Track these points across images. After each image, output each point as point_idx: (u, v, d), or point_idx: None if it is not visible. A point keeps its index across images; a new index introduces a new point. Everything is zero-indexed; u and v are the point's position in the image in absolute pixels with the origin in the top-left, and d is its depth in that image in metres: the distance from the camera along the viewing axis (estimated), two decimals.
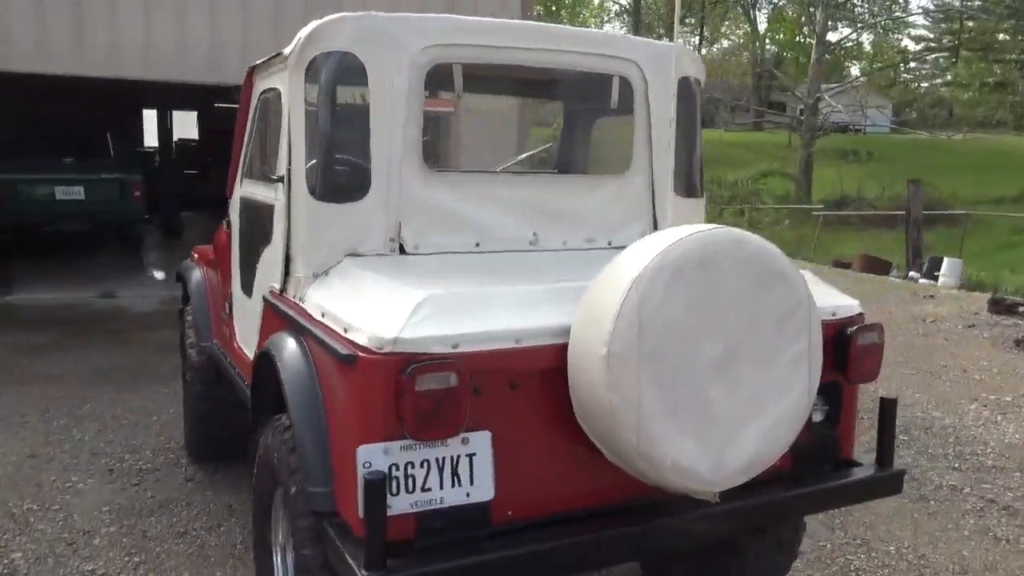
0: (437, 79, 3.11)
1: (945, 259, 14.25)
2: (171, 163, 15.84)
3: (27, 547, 3.89)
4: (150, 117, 17.00)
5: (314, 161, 2.87)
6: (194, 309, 4.52)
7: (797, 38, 40.58)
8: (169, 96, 13.88)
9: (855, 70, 46.52)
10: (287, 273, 2.99)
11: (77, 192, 10.47)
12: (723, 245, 2.32)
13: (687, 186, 3.53)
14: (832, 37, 34.77)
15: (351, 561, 2.17)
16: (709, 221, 2.91)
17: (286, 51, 3.02)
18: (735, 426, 2.36)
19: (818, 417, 2.90)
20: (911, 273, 14.91)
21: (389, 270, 2.77)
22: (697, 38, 35.37)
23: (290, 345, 2.65)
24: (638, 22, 34.19)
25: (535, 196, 3.23)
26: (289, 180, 2.95)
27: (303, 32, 2.89)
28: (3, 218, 10.34)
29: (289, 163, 2.95)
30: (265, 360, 2.77)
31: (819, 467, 2.91)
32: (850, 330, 2.80)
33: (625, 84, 3.35)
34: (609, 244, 3.35)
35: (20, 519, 4.16)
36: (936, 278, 13.89)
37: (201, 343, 4.36)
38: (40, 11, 8.18)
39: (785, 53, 43.75)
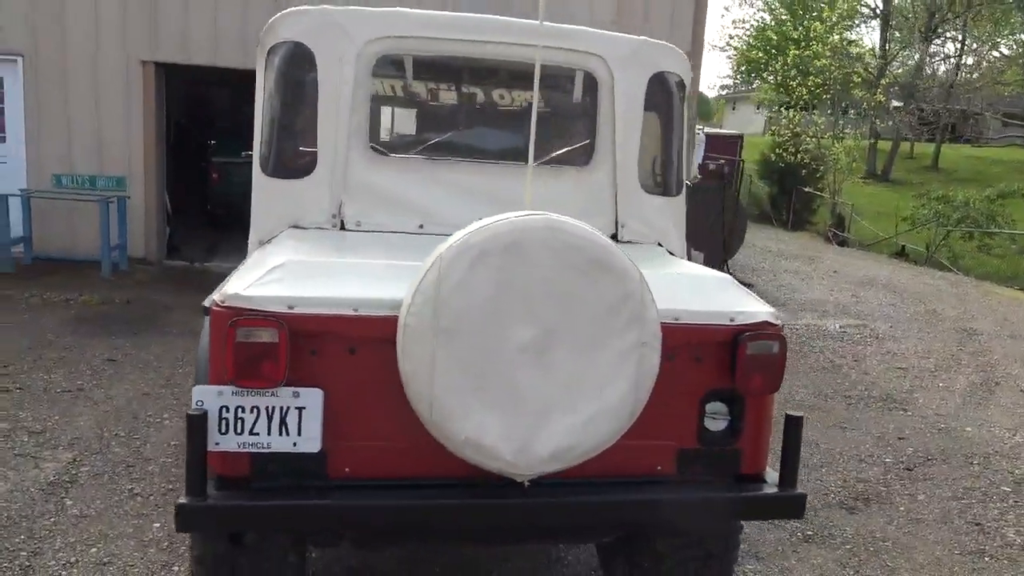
0: (393, 69, 3.32)
1: None
2: None
3: (96, 464, 4.60)
4: None
5: (265, 140, 3.20)
6: None
7: None
8: None
9: None
10: (247, 239, 3.35)
11: None
12: (536, 232, 2.33)
13: (658, 183, 3.46)
14: None
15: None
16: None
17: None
18: (547, 412, 2.35)
19: (715, 426, 2.78)
20: None
21: (311, 241, 3.03)
22: (959, 43, 32.01)
23: None
24: (886, 27, 31.69)
25: (486, 183, 3.33)
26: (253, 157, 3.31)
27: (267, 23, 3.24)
28: (218, 196, 11.86)
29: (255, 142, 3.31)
30: None
31: (712, 477, 2.78)
32: (741, 337, 2.66)
33: (590, 78, 3.37)
34: None
35: (104, 442, 4.91)
36: None
37: None
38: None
39: None
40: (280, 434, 2.49)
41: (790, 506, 2.79)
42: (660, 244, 3.49)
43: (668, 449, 2.75)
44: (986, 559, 4.23)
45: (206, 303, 2.56)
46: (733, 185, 22.48)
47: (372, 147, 3.25)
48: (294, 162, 3.22)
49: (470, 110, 3.76)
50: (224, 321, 2.42)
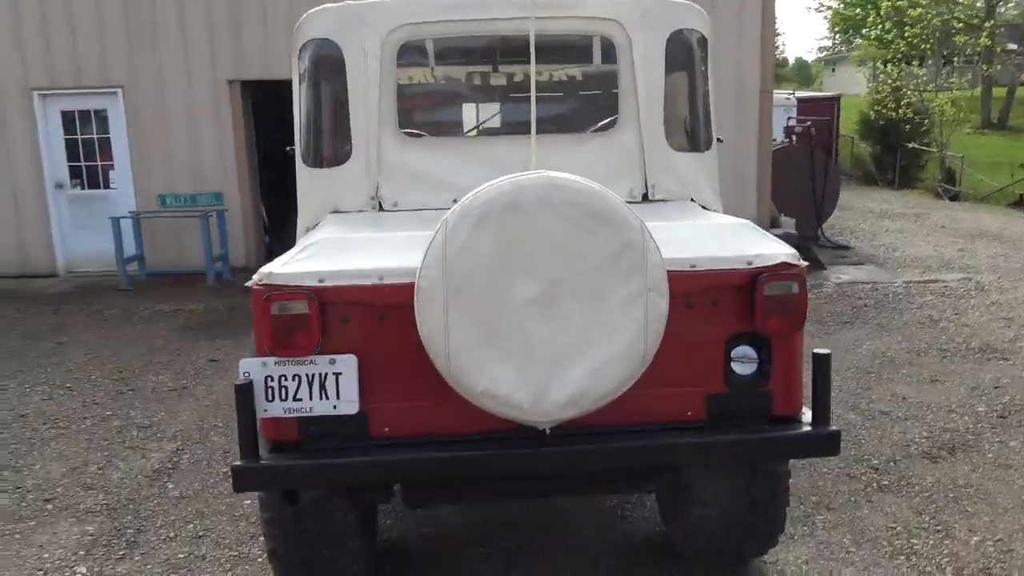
0: (417, 55, 3.48)
1: None
2: None
3: (196, 452, 4.98)
4: None
5: (303, 133, 3.43)
6: None
7: None
8: None
9: None
10: (296, 227, 3.59)
11: None
12: (535, 190, 2.43)
13: (685, 140, 3.49)
14: None
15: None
16: None
17: None
18: (560, 361, 2.45)
19: (743, 370, 2.80)
20: None
21: (351, 223, 3.22)
22: None
23: None
24: None
25: (516, 156, 3.43)
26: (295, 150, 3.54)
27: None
28: None
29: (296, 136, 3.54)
30: None
31: (744, 420, 2.81)
32: (759, 279, 2.68)
33: (608, 43, 3.43)
34: None
35: (204, 432, 5.30)
36: None
37: None
38: None
39: None
40: (321, 398, 2.68)
41: (822, 444, 2.80)
42: (693, 200, 3.52)
43: (696, 395, 2.80)
44: None
45: (247, 283, 2.79)
46: (832, 148, 21.73)
47: (403, 131, 3.42)
48: (332, 151, 3.43)
49: (496, 86, 3.88)
50: (261, 298, 2.63)
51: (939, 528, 3.82)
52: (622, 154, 3.46)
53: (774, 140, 13.38)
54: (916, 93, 21.29)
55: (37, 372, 6.73)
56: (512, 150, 3.46)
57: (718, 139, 3.64)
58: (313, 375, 2.68)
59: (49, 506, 4.30)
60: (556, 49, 3.72)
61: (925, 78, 21.94)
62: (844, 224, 14.37)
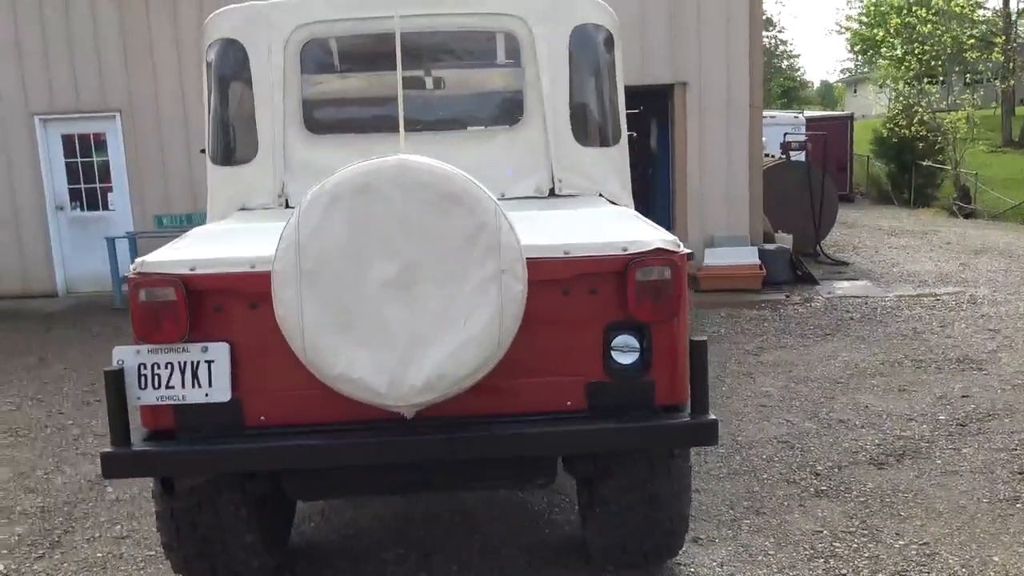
0: (320, 52, 3.52)
1: None
2: None
3: None
4: None
5: (212, 131, 3.48)
6: None
7: None
8: None
9: None
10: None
11: None
12: (387, 173, 2.43)
13: (592, 134, 3.49)
14: None
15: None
16: None
17: None
18: (415, 344, 2.44)
19: (624, 359, 2.77)
20: None
21: (254, 220, 3.25)
22: None
23: None
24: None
25: (423, 153, 3.45)
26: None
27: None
28: None
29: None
30: None
31: (625, 411, 2.76)
32: (631, 264, 2.66)
33: (511, 39, 3.45)
34: (503, 196, 3.45)
35: None
36: None
37: None
38: None
39: None
40: (193, 386, 2.70)
41: (700, 433, 2.74)
42: (601, 195, 3.50)
43: (576, 384, 2.77)
44: (1018, 506, 3.92)
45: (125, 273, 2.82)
46: (847, 167, 21.51)
47: (307, 129, 3.45)
48: (238, 150, 3.47)
49: (399, 83, 3.90)
50: (133, 287, 2.66)
51: (866, 532, 3.71)
52: (528, 150, 3.46)
53: (772, 156, 13.32)
54: (928, 111, 21.06)
55: (12, 385, 6.84)
56: (419, 147, 3.48)
57: (630, 134, 3.63)
58: (185, 363, 2.69)
59: None
60: (460, 45, 3.74)
61: (937, 96, 21.69)
62: (848, 241, 14.20)
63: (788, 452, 4.71)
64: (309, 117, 3.48)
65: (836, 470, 4.45)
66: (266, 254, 2.66)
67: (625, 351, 2.77)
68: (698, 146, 10.53)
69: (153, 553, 3.75)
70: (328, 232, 2.43)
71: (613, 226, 2.83)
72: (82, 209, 11.00)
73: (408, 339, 2.45)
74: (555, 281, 2.67)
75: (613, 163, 3.54)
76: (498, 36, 3.48)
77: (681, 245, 2.77)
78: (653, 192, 12.52)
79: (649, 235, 2.75)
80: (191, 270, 2.67)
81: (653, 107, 12.15)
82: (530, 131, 3.47)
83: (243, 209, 3.44)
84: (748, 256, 10.15)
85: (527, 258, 2.51)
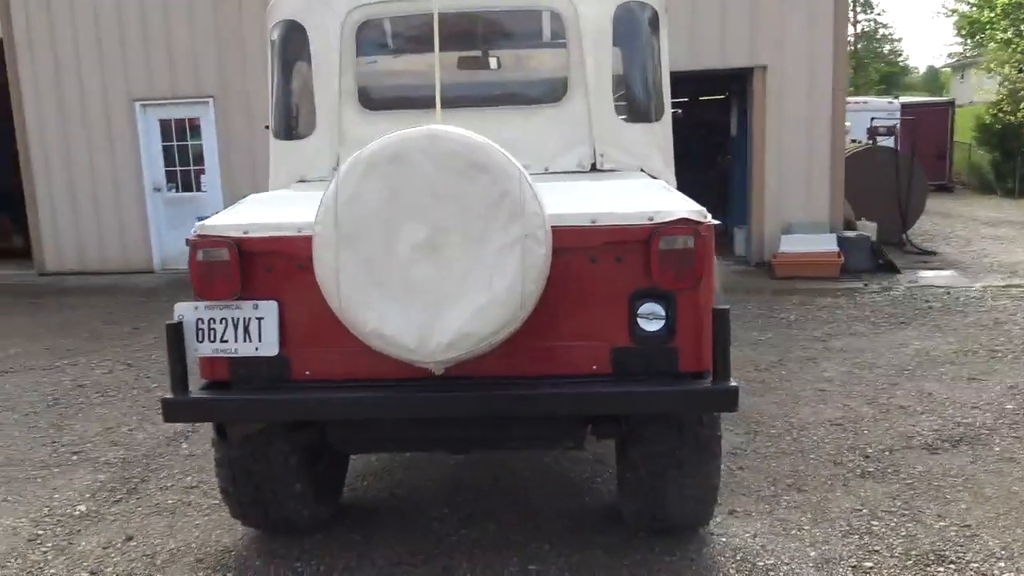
0: (376, 32, 3.70)
1: None
2: None
3: None
4: None
5: (274, 108, 3.70)
6: None
7: None
8: None
9: None
10: None
11: None
12: (418, 142, 2.57)
13: (635, 111, 3.56)
14: None
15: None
16: None
17: None
18: (443, 303, 2.58)
19: (650, 327, 2.85)
20: None
21: (310, 189, 3.46)
22: None
23: None
24: None
25: (471, 127, 3.60)
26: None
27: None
28: None
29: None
30: None
31: (650, 375, 2.85)
32: (655, 233, 2.73)
33: (555, 17, 3.55)
34: (546, 170, 3.57)
35: None
36: None
37: None
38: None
39: None
40: (245, 340, 2.91)
41: (719, 399, 2.80)
42: (643, 170, 3.57)
43: (602, 349, 2.87)
44: None
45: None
46: (946, 155, 20.65)
47: (362, 105, 3.64)
48: (299, 125, 3.68)
49: (452, 61, 4.04)
50: (192, 247, 2.89)
51: (906, 512, 3.69)
52: (571, 125, 3.56)
53: (856, 141, 12.95)
54: None
55: (107, 351, 7.34)
56: (465, 122, 3.62)
57: (675, 111, 3.68)
58: (238, 319, 2.91)
59: (75, 457, 4.74)
60: (508, 25, 3.86)
61: None
62: (939, 231, 13.70)
63: (840, 434, 4.68)
64: (363, 94, 3.66)
65: (887, 453, 4.40)
66: (312, 220, 2.86)
67: (651, 319, 2.85)
68: (777, 130, 10.35)
69: (217, 502, 4.02)
70: (363, 198, 2.59)
71: (643, 197, 2.91)
72: (177, 191, 11.61)
73: (436, 299, 2.59)
74: (583, 248, 2.77)
75: (655, 139, 3.60)
76: (544, 15, 3.59)
77: (708, 216, 2.82)
78: (730, 177, 12.37)
79: (676, 205, 2.82)
80: (244, 233, 2.88)
81: (732, 91, 12.00)
82: (574, 107, 3.56)
83: (301, 181, 3.66)
84: (826, 243, 9.94)
85: (556, 226, 2.62)
